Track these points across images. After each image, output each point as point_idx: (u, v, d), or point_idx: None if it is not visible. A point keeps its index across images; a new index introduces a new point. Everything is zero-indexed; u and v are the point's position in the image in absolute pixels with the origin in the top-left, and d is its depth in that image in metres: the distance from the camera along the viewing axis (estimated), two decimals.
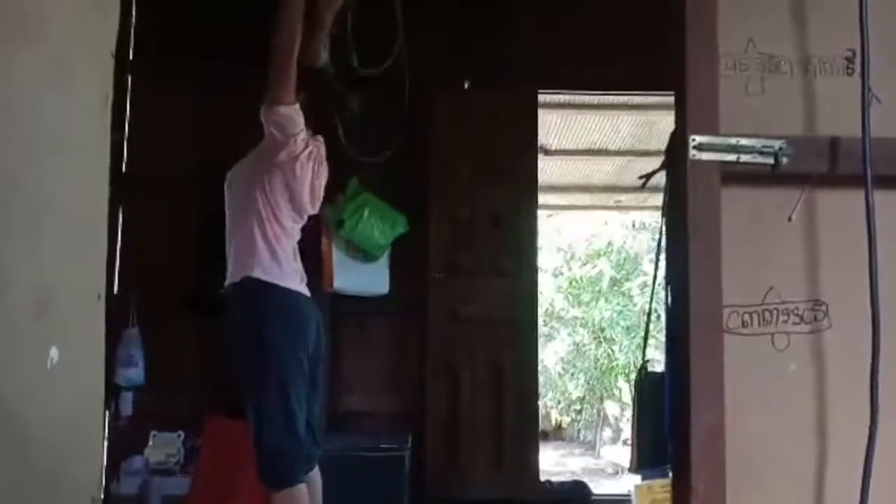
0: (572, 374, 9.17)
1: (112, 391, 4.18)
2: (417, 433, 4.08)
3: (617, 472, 8.22)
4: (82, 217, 1.29)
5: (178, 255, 4.20)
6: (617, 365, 8.88)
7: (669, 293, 1.36)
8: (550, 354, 8.90)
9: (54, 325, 1.12)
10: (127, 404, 4.20)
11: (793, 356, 1.34)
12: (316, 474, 2.64)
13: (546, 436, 8.81)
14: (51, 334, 1.11)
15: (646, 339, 1.43)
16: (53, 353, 1.09)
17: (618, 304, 8.75)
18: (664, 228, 1.40)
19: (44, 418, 1.11)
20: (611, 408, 9.48)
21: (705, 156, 1.29)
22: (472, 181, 4.46)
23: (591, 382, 9.19)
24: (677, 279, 1.33)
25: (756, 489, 1.31)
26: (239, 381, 2.53)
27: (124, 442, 4.20)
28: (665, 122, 5.30)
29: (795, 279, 1.36)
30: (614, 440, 9.38)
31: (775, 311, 1.34)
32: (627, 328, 8.67)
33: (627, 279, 8.74)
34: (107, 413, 4.25)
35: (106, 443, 4.29)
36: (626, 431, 9.25)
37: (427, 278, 4.37)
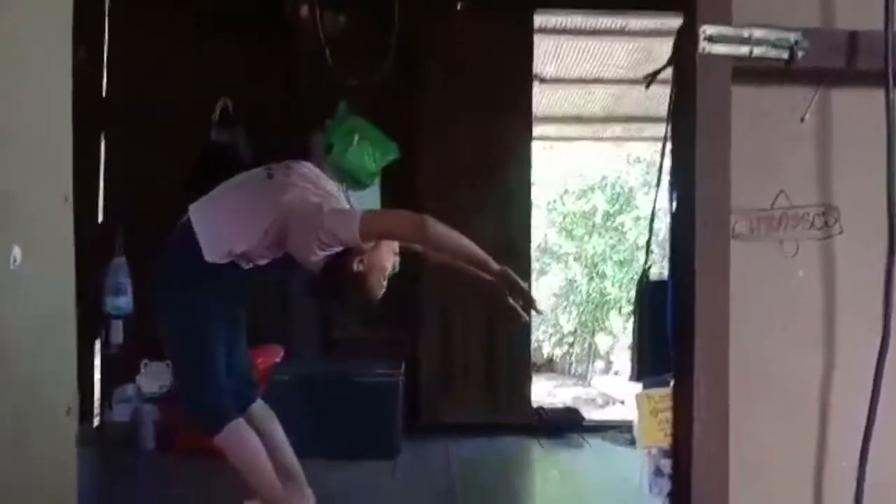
0: (565, 308, 9.21)
1: (102, 320, 4.15)
2: (411, 361, 4.07)
3: (607, 403, 8.35)
4: (45, 116, 1.20)
5: (165, 182, 4.10)
6: (609, 299, 8.91)
7: (674, 198, 1.29)
8: (543, 289, 8.92)
9: (17, 225, 1.05)
10: (117, 333, 4.17)
11: (801, 263, 1.28)
12: (260, 408, 2.70)
13: (538, 368, 8.91)
14: (13, 234, 1.04)
15: (648, 244, 1.37)
16: (16, 252, 1.02)
17: (611, 238, 8.73)
18: (669, 131, 1.32)
19: (11, 322, 1.05)
20: (602, 341, 9.56)
21: (716, 49, 1.20)
22: (465, 108, 4.35)
23: (582, 316, 9.24)
24: (683, 182, 1.26)
25: (760, 398, 1.27)
26: (159, 334, 2.58)
27: (115, 370, 4.19)
28: (661, 50, 5.16)
29: (807, 183, 1.29)
30: (605, 372, 9.50)
31: (784, 217, 1.27)
32: (620, 262, 8.67)
33: (621, 213, 8.69)
34: (97, 341, 4.23)
35: (98, 371, 4.30)
36: (617, 364, 9.36)
37: (419, 208, 4.29)
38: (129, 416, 4.02)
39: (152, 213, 4.07)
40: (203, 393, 2.46)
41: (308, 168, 2.64)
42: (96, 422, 4.25)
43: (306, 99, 4.13)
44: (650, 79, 1.34)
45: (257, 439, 2.52)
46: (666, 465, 1.31)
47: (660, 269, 1.53)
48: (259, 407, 2.71)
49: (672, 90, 1.27)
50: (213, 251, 2.44)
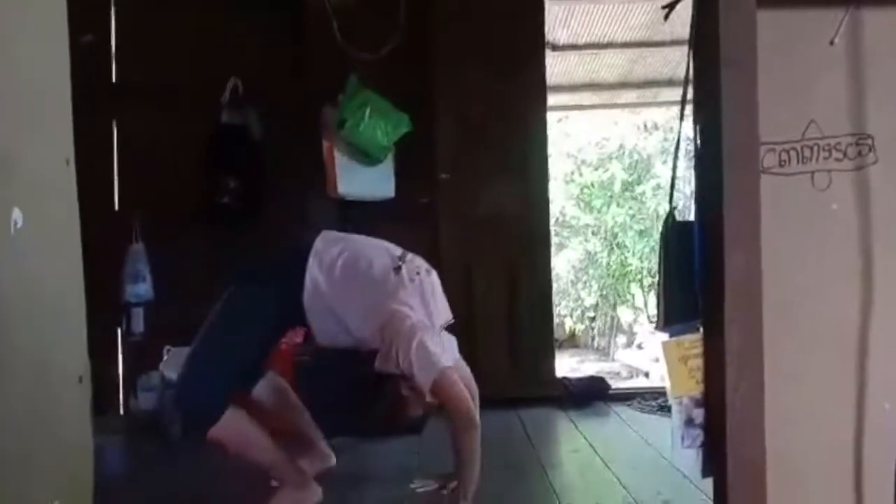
0: (585, 283, 9.15)
1: (123, 308, 4.15)
2: None
3: (631, 375, 8.29)
4: (43, 77, 1.16)
5: (178, 166, 4.08)
6: (630, 271, 8.83)
7: (699, 132, 1.23)
8: (563, 263, 8.85)
9: (16, 189, 1.02)
10: (138, 320, 4.17)
11: (835, 196, 1.22)
12: (270, 379, 2.68)
13: (560, 344, 8.86)
14: (13, 197, 1.00)
15: (672, 183, 1.30)
16: (17, 215, 0.99)
17: (630, 208, 8.62)
18: (692, 63, 1.25)
19: (15, 289, 1.01)
20: (624, 314, 9.49)
21: None
22: (477, 76, 4.27)
23: (604, 290, 9.18)
24: (708, 116, 1.20)
25: (795, 340, 1.21)
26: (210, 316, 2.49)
27: (139, 358, 4.20)
28: (679, 7, 5.04)
29: (838, 111, 1.22)
30: (628, 345, 9.44)
31: (816, 147, 1.21)
32: (640, 232, 8.57)
33: (639, 182, 8.58)
34: (119, 330, 4.24)
35: (121, 359, 4.31)
36: (640, 337, 9.29)
37: (435, 180, 4.25)
38: (154, 403, 4.02)
39: (167, 199, 4.09)
40: (204, 387, 2.38)
41: (434, 278, 2.58)
42: (122, 411, 4.26)
43: (316, 75, 4.09)
44: (669, 9, 1.27)
45: (251, 425, 2.43)
46: (698, 414, 1.26)
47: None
48: (269, 379, 2.69)
49: (693, 16, 1.20)
50: (320, 337, 2.46)
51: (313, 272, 2.41)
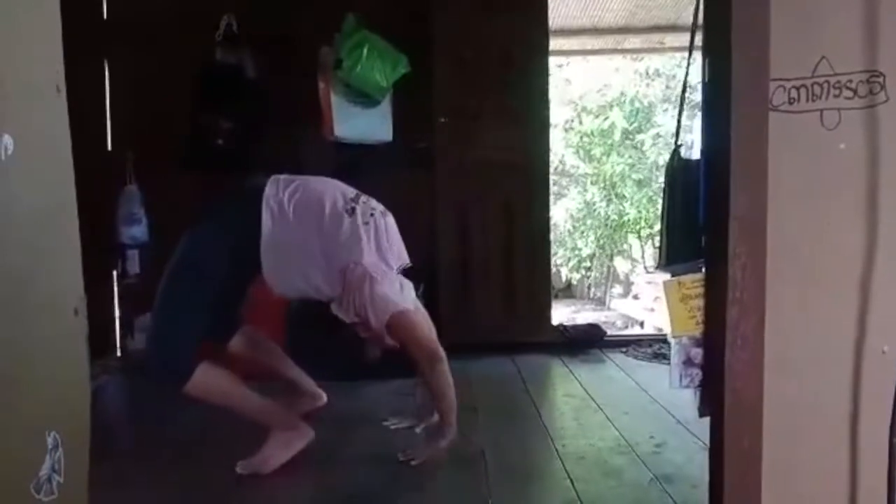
0: (582, 232, 9.14)
1: (118, 250, 4.14)
2: (430, 282, 4.03)
3: (627, 325, 8.36)
4: (32, 3, 1.12)
5: (172, 107, 4.01)
6: (627, 221, 8.82)
7: (708, 67, 1.19)
8: (561, 212, 8.83)
9: (6, 114, 0.99)
10: (134, 262, 4.16)
11: (844, 135, 1.19)
12: (249, 331, 2.69)
13: (556, 294, 8.90)
14: (2, 123, 0.97)
15: (679, 118, 1.28)
16: (7, 141, 0.96)
17: (630, 157, 8.56)
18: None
19: (7, 216, 0.99)
20: (621, 264, 9.52)
21: None
22: (477, 18, 4.19)
23: (601, 240, 9.18)
24: (718, 50, 1.17)
25: (800, 277, 1.20)
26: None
27: (135, 300, 4.20)
28: None
29: (850, 47, 1.18)
30: (624, 295, 9.48)
31: (826, 85, 1.17)
32: (639, 182, 8.52)
33: (640, 131, 8.49)
34: (115, 272, 4.23)
35: (117, 301, 4.32)
36: (636, 287, 9.33)
37: (433, 124, 4.20)
38: None
39: (161, 140, 4.03)
40: (168, 346, 2.34)
41: (389, 220, 2.55)
42: (118, 352, 4.29)
43: (313, 13, 3.99)
44: None
45: (224, 374, 2.41)
46: (697, 354, 1.26)
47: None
48: (244, 332, 2.68)
49: None
50: (276, 286, 2.43)
51: (266, 218, 2.37)
